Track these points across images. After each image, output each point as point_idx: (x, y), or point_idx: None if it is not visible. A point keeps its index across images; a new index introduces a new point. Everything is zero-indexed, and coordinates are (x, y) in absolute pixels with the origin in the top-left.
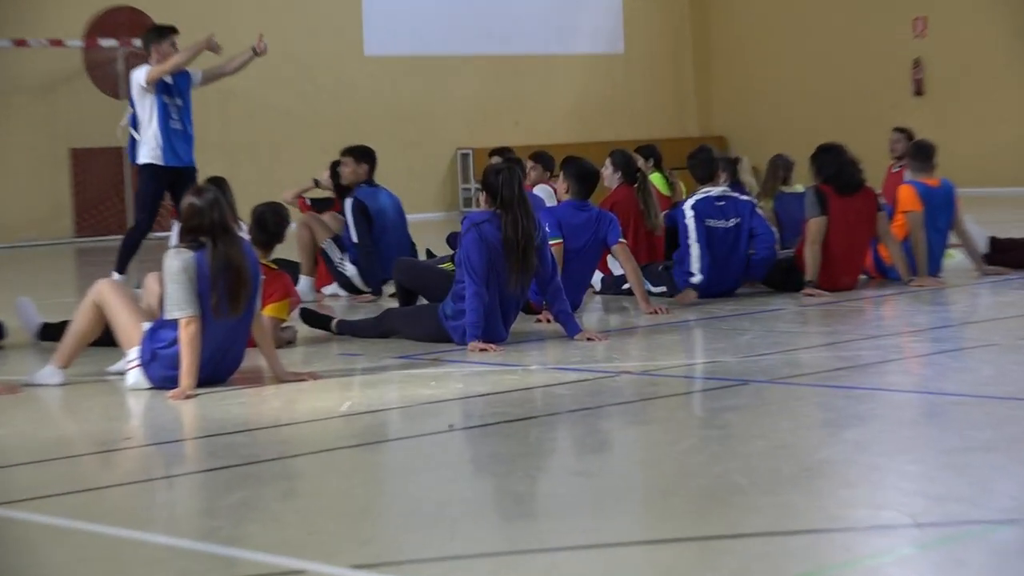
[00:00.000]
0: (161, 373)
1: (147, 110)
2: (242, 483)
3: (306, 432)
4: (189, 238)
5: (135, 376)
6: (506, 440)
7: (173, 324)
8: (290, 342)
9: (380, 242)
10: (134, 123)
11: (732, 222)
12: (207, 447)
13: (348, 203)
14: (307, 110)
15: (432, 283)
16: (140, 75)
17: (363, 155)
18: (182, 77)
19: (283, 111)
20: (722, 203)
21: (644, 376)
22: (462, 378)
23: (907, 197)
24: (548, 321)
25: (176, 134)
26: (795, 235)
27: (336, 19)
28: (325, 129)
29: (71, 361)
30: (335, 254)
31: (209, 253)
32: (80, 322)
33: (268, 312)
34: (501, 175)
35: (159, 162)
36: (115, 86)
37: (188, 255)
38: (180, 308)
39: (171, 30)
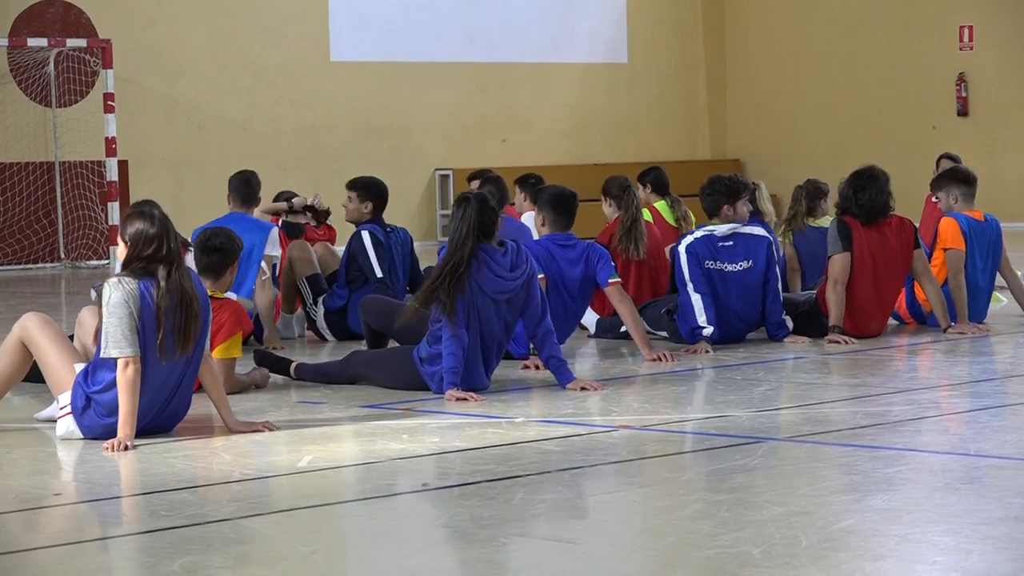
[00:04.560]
0: (97, 421)
1: None
2: (187, 547)
3: (260, 490)
4: (139, 267)
5: (66, 425)
6: (487, 502)
7: (111, 365)
8: (259, 385)
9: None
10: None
11: (742, 265)
12: (148, 506)
13: (365, 235)
14: (264, 123)
15: (404, 324)
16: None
17: (368, 190)
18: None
19: (237, 123)
20: (730, 243)
21: (644, 431)
22: (438, 431)
23: (949, 232)
24: (537, 368)
25: None
26: (818, 274)
27: (299, 20)
28: (284, 144)
29: None
30: (307, 295)
31: (164, 284)
32: (3, 363)
33: (217, 354)
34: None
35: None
36: (45, 92)
37: (132, 285)
38: (119, 346)
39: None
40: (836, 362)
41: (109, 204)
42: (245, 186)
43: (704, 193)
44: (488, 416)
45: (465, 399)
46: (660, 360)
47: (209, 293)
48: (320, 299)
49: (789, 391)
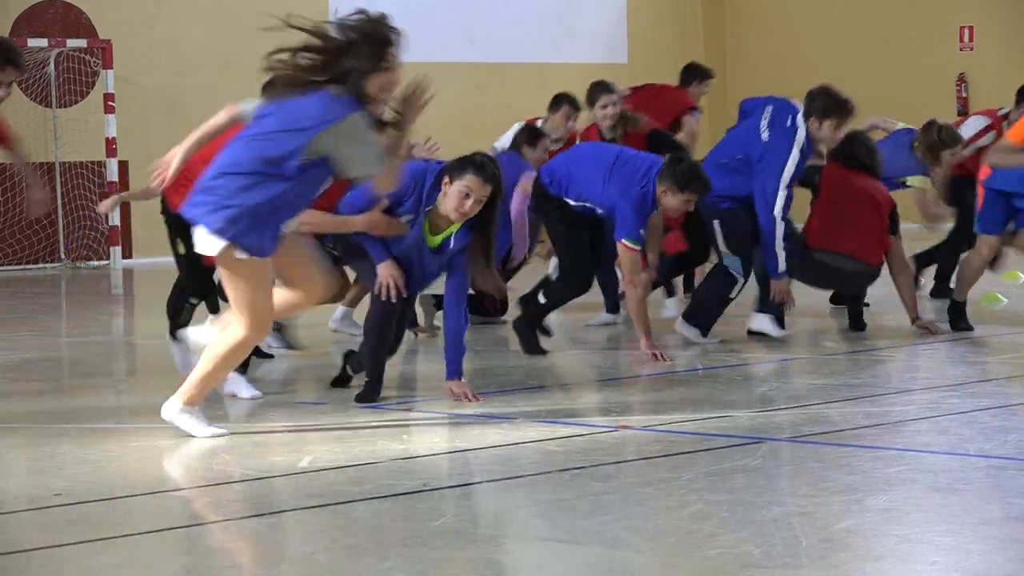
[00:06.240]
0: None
1: None
2: (187, 547)
3: (261, 490)
4: None
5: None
6: (487, 502)
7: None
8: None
9: None
10: None
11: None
12: (148, 505)
13: None
14: None
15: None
16: None
17: None
18: None
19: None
20: (765, 132)
21: (644, 431)
22: (438, 431)
23: None
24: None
25: None
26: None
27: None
28: None
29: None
30: None
31: None
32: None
33: None
34: None
35: None
36: (45, 92)
37: None
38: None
39: None
40: (836, 362)
41: None
42: None
43: (817, 96)
44: (488, 416)
45: (459, 396)
46: (658, 360)
47: None
48: None
49: (789, 391)
